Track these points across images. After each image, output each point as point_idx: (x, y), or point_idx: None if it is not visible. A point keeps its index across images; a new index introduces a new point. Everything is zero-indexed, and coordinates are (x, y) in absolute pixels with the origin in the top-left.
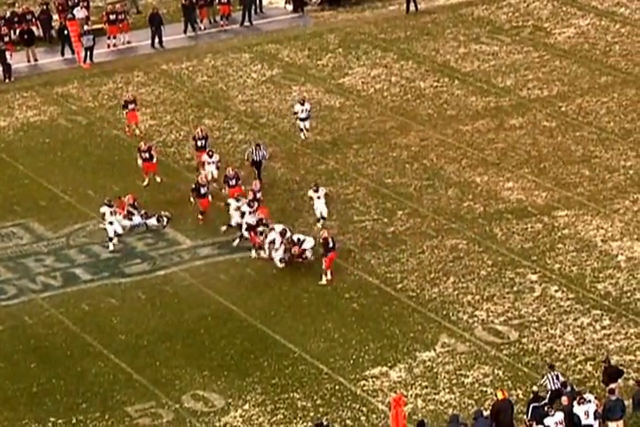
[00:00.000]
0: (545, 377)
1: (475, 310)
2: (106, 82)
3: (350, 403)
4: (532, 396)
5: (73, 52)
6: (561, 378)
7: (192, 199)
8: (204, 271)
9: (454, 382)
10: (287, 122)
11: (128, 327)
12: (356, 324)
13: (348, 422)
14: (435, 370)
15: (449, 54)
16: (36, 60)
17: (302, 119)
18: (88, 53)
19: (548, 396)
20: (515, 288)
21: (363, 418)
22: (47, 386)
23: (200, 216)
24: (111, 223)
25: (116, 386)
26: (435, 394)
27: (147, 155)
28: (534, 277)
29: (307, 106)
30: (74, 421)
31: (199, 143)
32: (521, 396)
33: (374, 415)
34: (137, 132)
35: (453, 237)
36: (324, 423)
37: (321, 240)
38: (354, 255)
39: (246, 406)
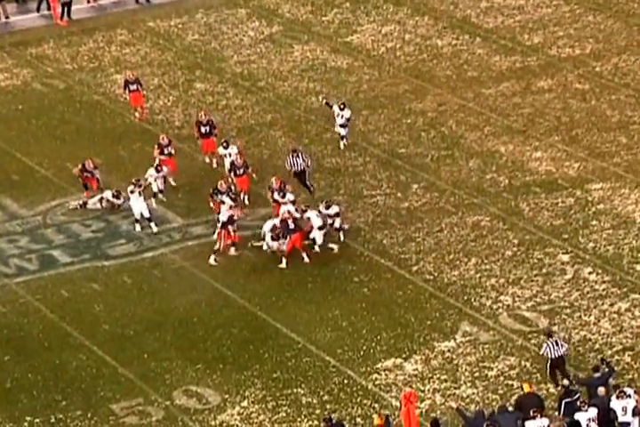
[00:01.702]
0: (544, 346)
1: (499, 295)
2: (85, 41)
3: (361, 399)
4: (563, 391)
5: (49, 8)
6: (562, 345)
7: (212, 205)
8: (196, 253)
9: (476, 375)
10: (288, 85)
11: (112, 316)
12: (367, 311)
13: (358, 420)
14: (455, 362)
15: (469, 9)
16: (7, 17)
17: (341, 125)
18: (65, 9)
19: (549, 365)
20: (544, 270)
21: (374, 416)
22: (22, 381)
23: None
24: (135, 204)
25: (99, 381)
26: (455, 389)
27: (206, 129)
28: (566, 258)
29: (346, 112)
30: (52, 420)
31: (203, 129)
32: (552, 390)
33: (387, 412)
34: (137, 114)
35: (475, 214)
36: (333, 420)
37: (280, 220)
38: (364, 234)
39: (245, 403)
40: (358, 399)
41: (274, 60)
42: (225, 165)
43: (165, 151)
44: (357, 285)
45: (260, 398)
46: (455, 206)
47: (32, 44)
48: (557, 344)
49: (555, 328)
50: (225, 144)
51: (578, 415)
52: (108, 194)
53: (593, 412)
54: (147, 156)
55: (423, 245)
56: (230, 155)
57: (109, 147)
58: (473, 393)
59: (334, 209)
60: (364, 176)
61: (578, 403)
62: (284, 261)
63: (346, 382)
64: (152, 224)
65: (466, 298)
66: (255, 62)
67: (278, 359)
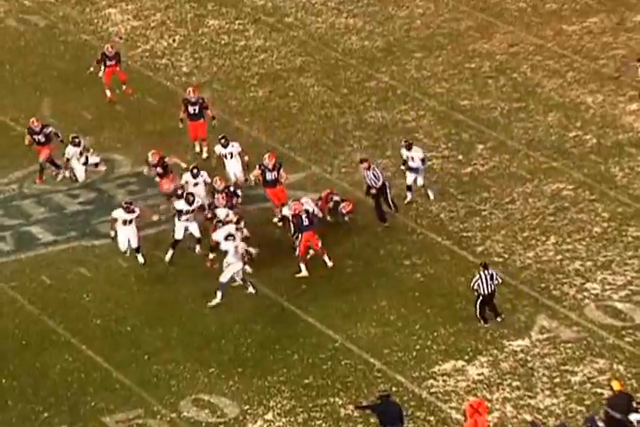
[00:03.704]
0: (476, 277)
1: (585, 282)
2: None
3: (413, 410)
4: None
5: None
6: (497, 278)
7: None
8: (208, 230)
9: (556, 381)
10: (322, 21)
11: (105, 308)
12: (421, 301)
13: None
14: (530, 365)
15: None
16: None
17: (411, 169)
18: None
19: (478, 301)
20: None
21: None
22: None
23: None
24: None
25: (89, 388)
26: (530, 398)
27: (195, 109)
28: None
29: (416, 153)
30: None
31: (191, 109)
32: None
33: None
34: (109, 93)
35: (555, 181)
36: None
37: (292, 215)
38: (416, 207)
39: (269, 416)
40: (410, 411)
41: None
42: (226, 170)
43: (190, 110)
44: (408, 269)
45: (287, 409)
46: (530, 172)
47: None
48: (492, 278)
49: None
50: (224, 141)
51: (633, 417)
52: (95, 159)
53: None
54: (147, 110)
55: (490, 221)
56: (231, 155)
57: (101, 99)
58: (552, 404)
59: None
60: (417, 134)
61: None
62: (302, 268)
63: (394, 389)
64: (139, 256)
65: (543, 286)
66: None
67: (310, 362)
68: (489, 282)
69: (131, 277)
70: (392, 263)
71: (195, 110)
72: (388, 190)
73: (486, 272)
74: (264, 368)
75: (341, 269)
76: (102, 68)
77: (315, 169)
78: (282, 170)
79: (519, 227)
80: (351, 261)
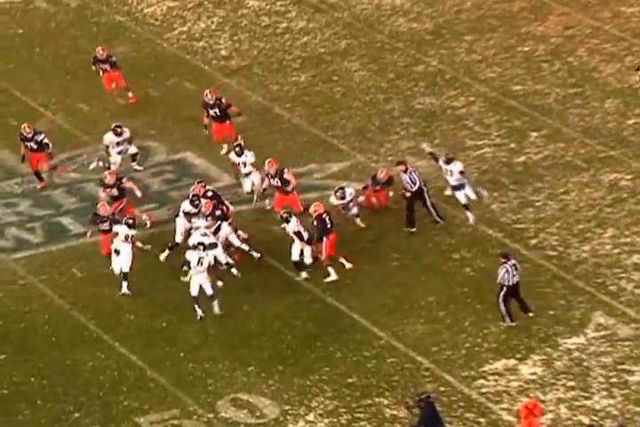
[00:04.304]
0: (502, 270)
1: None
2: None
3: (462, 412)
4: None
5: None
6: (519, 267)
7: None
8: (250, 220)
9: (613, 381)
10: (367, 2)
11: (139, 302)
12: (470, 297)
13: None
14: (585, 364)
15: None
16: None
17: (455, 187)
18: None
19: (502, 294)
20: None
21: None
22: (23, 387)
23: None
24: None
25: (122, 387)
26: (585, 398)
27: (215, 111)
28: None
29: (455, 166)
30: None
31: (212, 112)
32: None
33: None
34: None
35: (612, 170)
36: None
37: (314, 218)
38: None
39: (310, 417)
40: (459, 412)
41: None
42: (240, 179)
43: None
44: (458, 263)
45: (330, 409)
46: (586, 161)
47: None
48: (516, 269)
49: None
50: (238, 150)
51: None
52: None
53: None
54: (184, 95)
55: (544, 212)
56: (245, 165)
57: (135, 83)
58: (609, 404)
59: (348, 195)
60: (467, 121)
61: None
62: (331, 271)
63: (442, 389)
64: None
65: (600, 281)
66: None
67: (354, 360)
68: (514, 272)
69: (166, 269)
70: (440, 257)
71: (216, 113)
72: (426, 195)
73: (510, 262)
74: (305, 367)
75: (387, 262)
76: (101, 71)
77: (359, 158)
78: (287, 174)
79: (575, 219)
80: (397, 255)
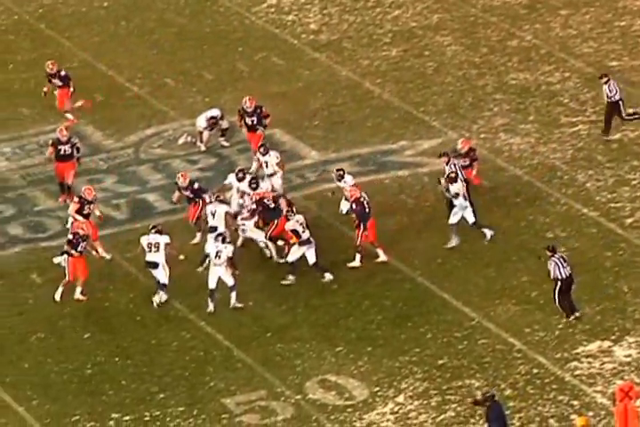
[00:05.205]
0: (551, 264)
1: None
2: None
3: (555, 394)
4: None
5: None
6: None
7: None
8: (336, 199)
9: None
10: None
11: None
12: None
13: (551, 421)
14: None
15: None
16: None
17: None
18: None
19: (557, 289)
20: None
21: (573, 416)
22: (107, 367)
23: None
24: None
25: (208, 367)
26: None
27: (252, 119)
28: None
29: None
30: (146, 417)
31: (249, 120)
32: None
33: (591, 413)
34: (69, 116)
35: None
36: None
37: (352, 202)
38: (560, 175)
39: (400, 398)
40: (552, 395)
41: None
42: (265, 177)
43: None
44: (551, 242)
45: (420, 391)
46: None
47: None
48: (565, 261)
49: None
50: (263, 149)
51: None
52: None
53: None
54: (272, 70)
55: None
56: (267, 165)
57: (222, 57)
58: None
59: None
60: (562, 97)
61: None
62: (358, 258)
63: (535, 371)
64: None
65: None
66: None
67: (445, 341)
68: (564, 264)
69: (251, 250)
70: (533, 236)
71: (253, 121)
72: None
73: (557, 255)
74: (395, 347)
75: (479, 242)
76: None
77: (451, 135)
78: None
79: None
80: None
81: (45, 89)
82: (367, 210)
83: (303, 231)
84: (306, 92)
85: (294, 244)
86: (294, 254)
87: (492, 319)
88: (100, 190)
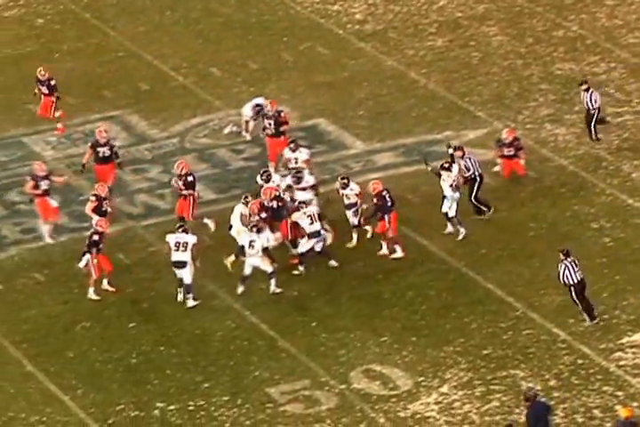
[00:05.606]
0: (562, 268)
1: None
2: None
3: (600, 385)
4: None
5: None
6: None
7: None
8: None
9: None
10: None
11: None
12: (609, 267)
13: (595, 412)
14: None
15: None
16: None
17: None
18: None
19: (572, 294)
20: None
21: (617, 407)
22: (152, 356)
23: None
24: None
25: (252, 357)
26: None
27: (270, 122)
28: None
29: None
30: (191, 407)
31: (267, 123)
32: None
33: (635, 403)
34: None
35: None
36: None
37: (373, 196)
38: (605, 165)
39: (444, 388)
40: (596, 385)
41: None
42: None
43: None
44: (596, 233)
45: (464, 381)
46: None
47: None
48: (576, 264)
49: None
50: (293, 146)
51: None
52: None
53: None
54: (317, 60)
55: None
56: (297, 160)
57: (267, 47)
58: None
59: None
60: (608, 87)
61: None
62: (398, 249)
63: (580, 362)
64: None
65: None
66: None
67: (489, 331)
68: (575, 269)
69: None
70: (578, 226)
71: (270, 124)
72: (475, 185)
73: (569, 259)
74: (440, 337)
75: (524, 232)
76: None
77: (497, 125)
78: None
79: None
80: (534, 224)
81: (36, 91)
82: (389, 204)
83: (312, 223)
84: (351, 82)
85: (303, 236)
86: (304, 246)
87: (537, 310)
88: (145, 180)
